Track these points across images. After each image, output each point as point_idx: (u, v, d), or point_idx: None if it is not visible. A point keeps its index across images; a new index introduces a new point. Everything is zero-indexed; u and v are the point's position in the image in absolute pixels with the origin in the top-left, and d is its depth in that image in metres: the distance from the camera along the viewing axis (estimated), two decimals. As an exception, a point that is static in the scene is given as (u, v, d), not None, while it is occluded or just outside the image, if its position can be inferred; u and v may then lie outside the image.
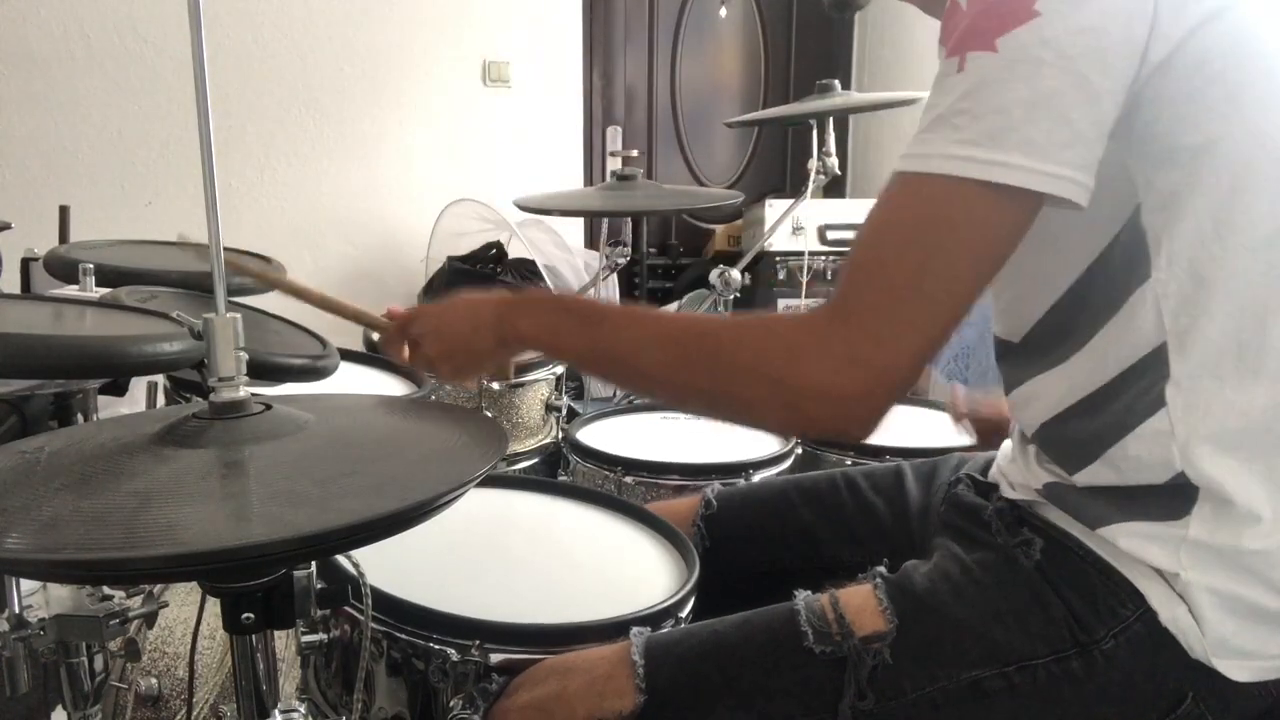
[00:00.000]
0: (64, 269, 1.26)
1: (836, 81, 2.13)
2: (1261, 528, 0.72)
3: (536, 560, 1.05)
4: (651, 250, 3.92)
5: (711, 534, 1.12)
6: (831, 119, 2.12)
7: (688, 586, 0.95)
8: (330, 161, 3.27)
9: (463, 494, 0.62)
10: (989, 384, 1.15)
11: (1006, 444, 0.93)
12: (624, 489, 1.44)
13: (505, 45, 3.50)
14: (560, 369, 1.82)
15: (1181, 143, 0.70)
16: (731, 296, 2.46)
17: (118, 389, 0.95)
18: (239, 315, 0.68)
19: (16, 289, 1.71)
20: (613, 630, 0.86)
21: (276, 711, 0.72)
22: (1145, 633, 0.75)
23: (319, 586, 0.69)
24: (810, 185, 2.09)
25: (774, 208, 3.44)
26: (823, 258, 3.57)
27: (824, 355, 0.70)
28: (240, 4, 3.10)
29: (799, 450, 1.58)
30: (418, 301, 3.14)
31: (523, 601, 0.94)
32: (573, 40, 3.65)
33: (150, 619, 0.92)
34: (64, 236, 2.11)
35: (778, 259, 3.53)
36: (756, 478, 1.43)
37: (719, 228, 4.01)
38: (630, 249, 2.36)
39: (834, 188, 3.52)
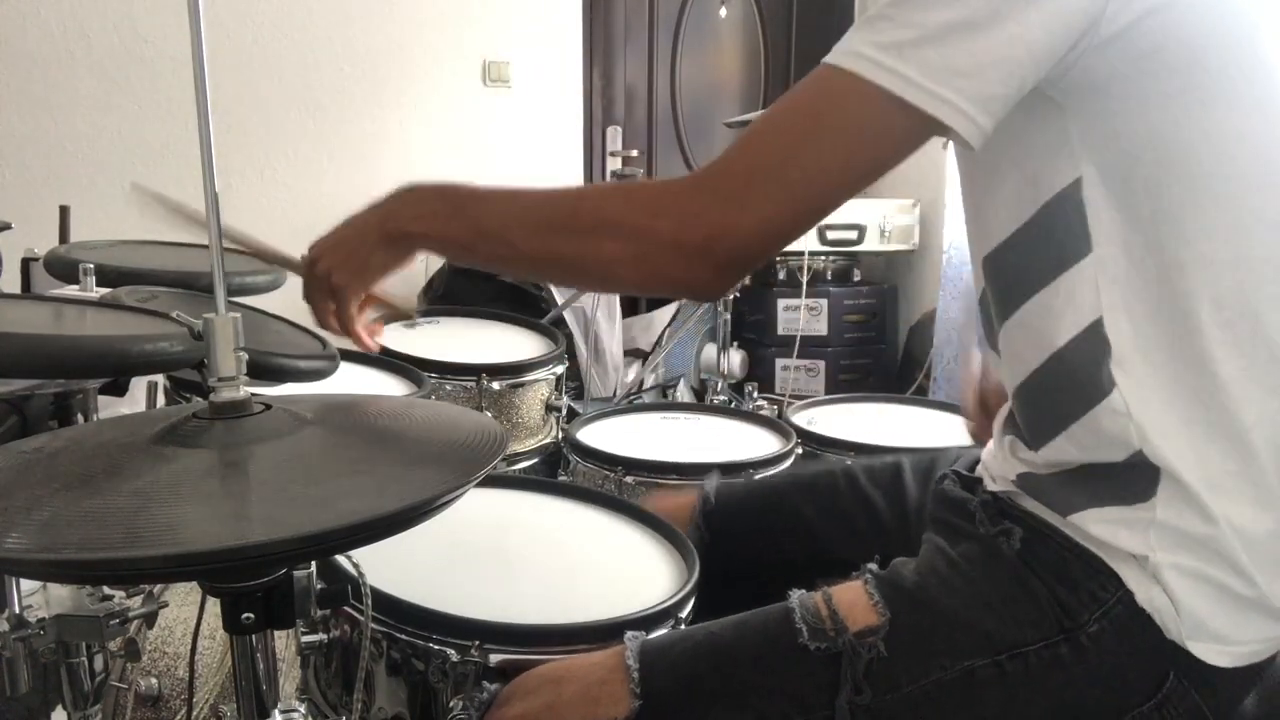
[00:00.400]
0: (64, 269, 1.26)
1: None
2: (1213, 517, 0.73)
3: (536, 560, 1.05)
4: (651, 250, 3.92)
5: (711, 528, 1.12)
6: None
7: (688, 587, 0.95)
8: (330, 161, 3.27)
9: (463, 494, 0.62)
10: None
11: (992, 438, 0.94)
12: (624, 489, 1.44)
13: (505, 45, 3.50)
14: (560, 369, 1.82)
15: (1128, 125, 0.71)
16: (731, 296, 2.45)
17: (118, 389, 0.95)
18: (239, 315, 0.68)
19: (16, 289, 1.71)
20: (613, 631, 0.86)
21: (276, 711, 0.72)
22: (1125, 614, 0.76)
23: (319, 586, 0.69)
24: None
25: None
26: (823, 258, 3.57)
27: (677, 209, 0.75)
28: (240, 4, 3.10)
29: (799, 450, 1.58)
30: (417, 302, 3.14)
31: (523, 602, 0.94)
32: (573, 40, 3.65)
33: (150, 619, 0.92)
34: (64, 236, 2.11)
35: (777, 259, 3.53)
36: (757, 478, 1.43)
37: (719, 228, 4.00)
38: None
39: (834, 188, 3.50)
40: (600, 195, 0.80)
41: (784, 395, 3.39)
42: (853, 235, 3.51)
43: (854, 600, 0.82)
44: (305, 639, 0.87)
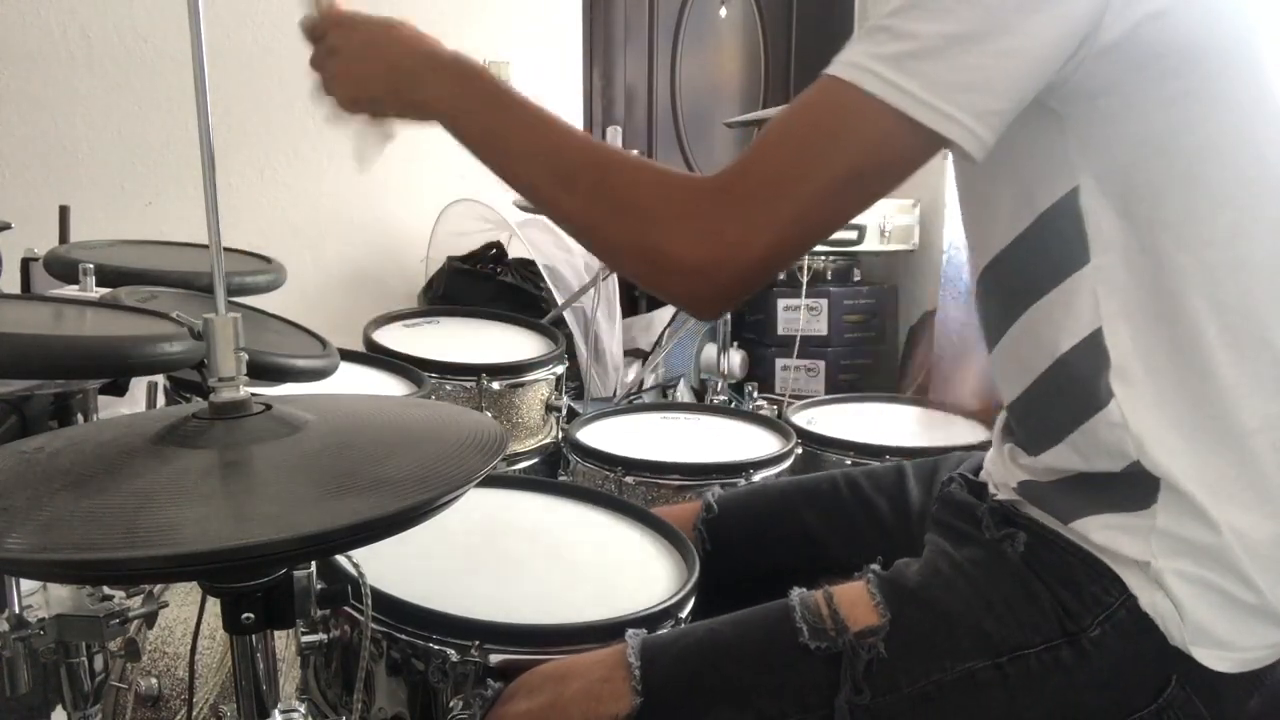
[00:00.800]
0: (64, 269, 1.26)
1: (836, 81, 2.12)
2: (1214, 524, 0.73)
3: (536, 560, 1.05)
4: (651, 250, 3.92)
5: (713, 537, 1.12)
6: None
7: (688, 587, 0.95)
8: (330, 161, 3.26)
9: (463, 494, 0.62)
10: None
11: (992, 445, 0.94)
12: (624, 489, 1.44)
13: (505, 45, 3.50)
14: (560, 369, 1.82)
15: (1126, 132, 0.71)
16: (731, 296, 2.45)
17: (118, 389, 0.95)
18: (239, 315, 0.68)
19: (16, 289, 1.71)
20: (613, 631, 0.86)
21: (276, 711, 0.72)
22: (1129, 619, 0.75)
23: (319, 586, 0.69)
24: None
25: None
26: (823, 258, 3.57)
27: (688, 222, 0.74)
28: (240, 4, 3.10)
29: (799, 450, 1.58)
30: (417, 302, 3.14)
31: (522, 602, 0.94)
32: (573, 40, 3.65)
33: (150, 619, 0.92)
34: (64, 236, 2.11)
35: (778, 259, 3.53)
36: (757, 477, 1.43)
37: (719, 228, 4.00)
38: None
39: (834, 188, 3.51)
40: (629, 176, 0.77)
41: (784, 395, 3.39)
42: (853, 235, 3.51)
43: (855, 600, 0.82)
44: (305, 639, 0.87)
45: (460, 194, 3.25)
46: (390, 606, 0.87)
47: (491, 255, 3.25)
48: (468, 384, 1.70)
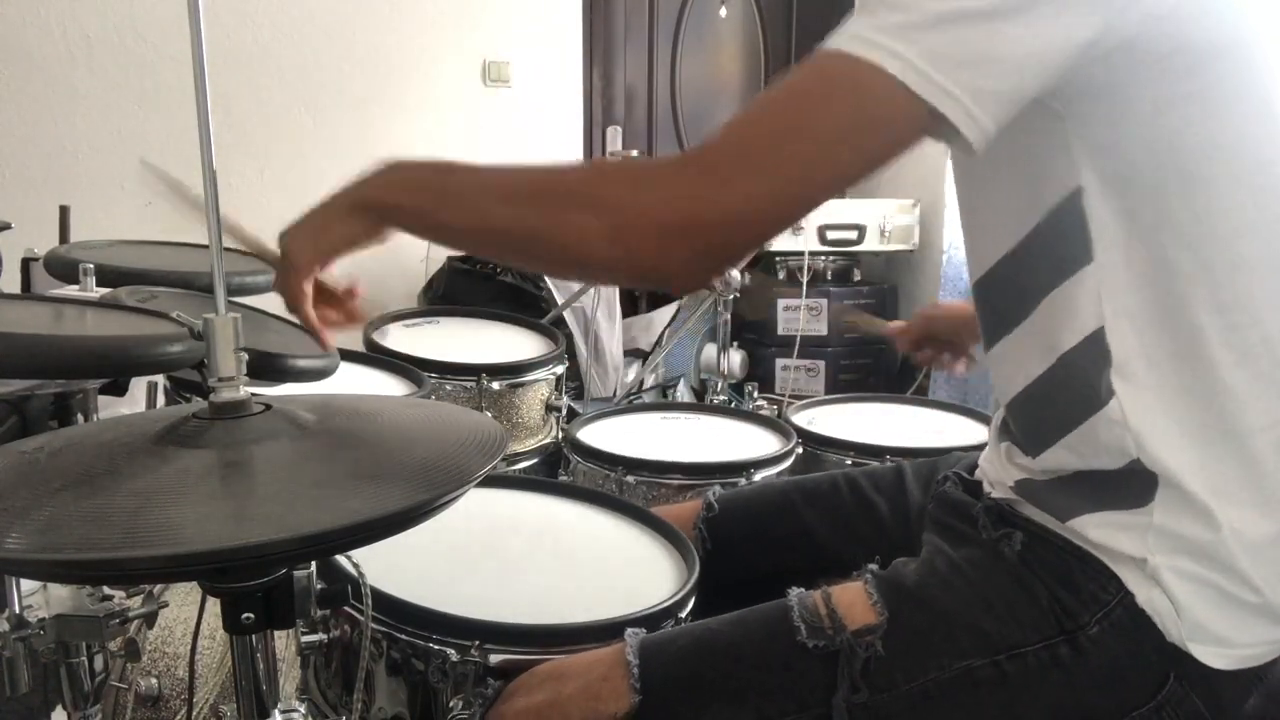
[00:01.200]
0: (64, 269, 1.26)
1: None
2: (1214, 522, 0.73)
3: (536, 560, 1.05)
4: (651, 250, 3.91)
5: (713, 537, 1.12)
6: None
7: (688, 586, 0.95)
8: (330, 161, 3.26)
9: (463, 494, 0.62)
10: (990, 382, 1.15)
11: (988, 444, 0.94)
12: (624, 489, 1.44)
13: (505, 45, 3.50)
14: (560, 369, 1.82)
15: (1130, 133, 0.71)
16: (731, 296, 2.45)
17: (118, 389, 0.95)
18: (239, 315, 0.68)
19: (16, 289, 1.71)
20: (613, 631, 0.86)
21: (276, 711, 0.72)
22: (1126, 616, 0.75)
23: (319, 586, 0.69)
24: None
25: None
26: (823, 258, 3.57)
27: (660, 185, 0.69)
28: (240, 4, 3.10)
29: (799, 450, 1.58)
30: (417, 302, 3.14)
31: (523, 602, 0.94)
32: (573, 40, 3.65)
33: (150, 619, 0.92)
34: (64, 236, 2.11)
35: (777, 259, 3.54)
36: (757, 477, 1.43)
37: (719, 228, 4.00)
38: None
39: (834, 188, 3.51)
40: (580, 168, 0.75)
41: (784, 395, 3.39)
42: (853, 235, 3.52)
43: (853, 599, 0.82)
44: (305, 639, 0.87)
45: (460, 194, 3.25)
46: (390, 606, 0.87)
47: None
48: (468, 384, 1.70)
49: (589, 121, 3.79)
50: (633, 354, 3.41)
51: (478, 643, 0.84)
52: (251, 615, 0.65)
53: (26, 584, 0.87)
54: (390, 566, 0.92)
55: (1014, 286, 0.81)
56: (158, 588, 0.93)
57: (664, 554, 1.06)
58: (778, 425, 1.69)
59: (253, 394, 0.70)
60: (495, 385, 1.71)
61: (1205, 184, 0.71)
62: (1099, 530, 0.77)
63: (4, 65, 2.86)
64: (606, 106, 3.87)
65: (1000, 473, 0.87)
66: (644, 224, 0.69)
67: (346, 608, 0.90)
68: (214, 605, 0.68)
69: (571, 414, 1.86)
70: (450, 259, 3.22)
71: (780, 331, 3.56)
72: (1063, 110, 0.71)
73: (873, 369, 3.67)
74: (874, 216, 3.52)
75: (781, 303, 3.56)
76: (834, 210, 3.50)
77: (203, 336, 0.68)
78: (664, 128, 3.99)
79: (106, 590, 0.89)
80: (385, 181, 0.81)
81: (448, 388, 1.70)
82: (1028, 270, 0.79)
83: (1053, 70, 0.67)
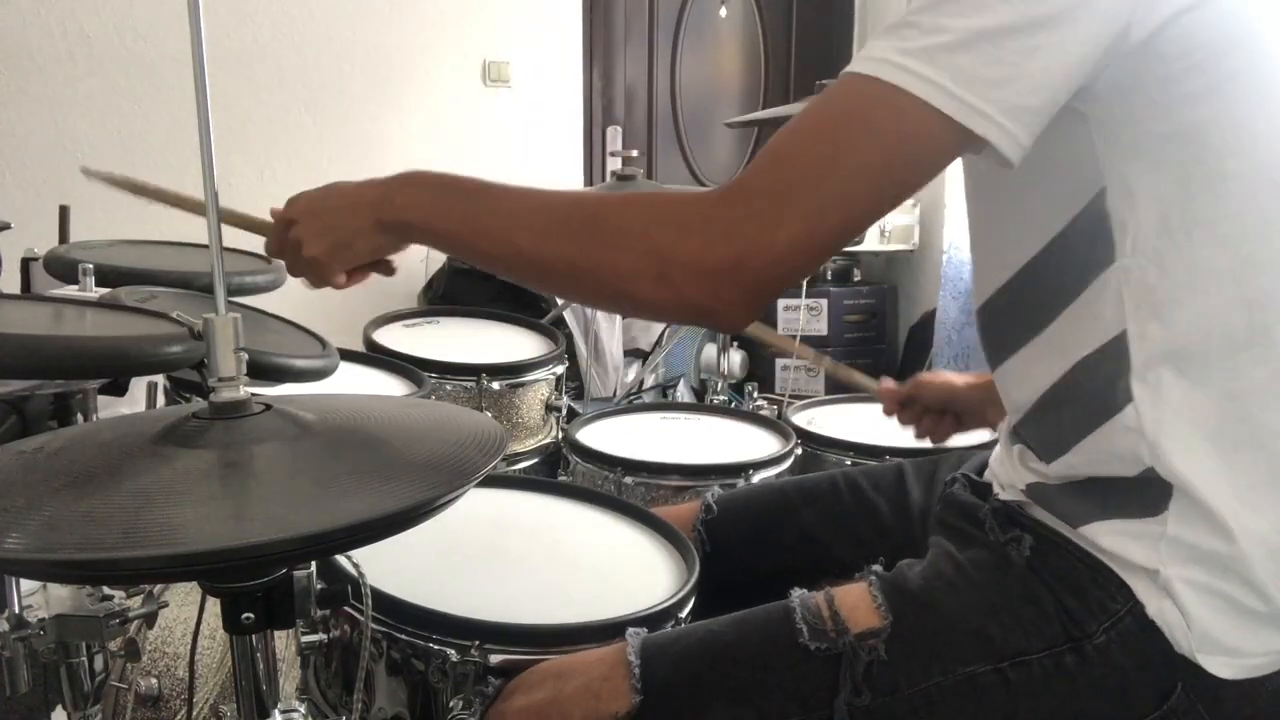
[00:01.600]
0: (64, 269, 1.26)
1: (837, 82, 2.12)
2: (1230, 532, 0.72)
3: (536, 560, 1.05)
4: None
5: (713, 538, 1.12)
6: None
7: (687, 587, 0.95)
8: (330, 162, 3.26)
9: (463, 494, 0.62)
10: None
11: (998, 445, 0.94)
12: (624, 489, 1.44)
13: (505, 45, 3.50)
14: (560, 369, 1.82)
15: (1154, 130, 0.70)
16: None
17: (118, 389, 0.95)
18: (239, 315, 0.68)
19: (16, 289, 1.71)
20: (612, 631, 0.86)
21: (276, 711, 0.72)
22: (1135, 626, 0.75)
23: (319, 586, 0.69)
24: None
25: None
26: (823, 258, 3.57)
27: (702, 226, 0.69)
28: (240, 4, 3.10)
29: (799, 450, 1.58)
30: (417, 302, 3.14)
31: (522, 602, 0.94)
32: (573, 40, 3.65)
33: (150, 619, 0.92)
34: (64, 236, 2.11)
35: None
36: (756, 478, 1.43)
37: (719, 228, 4.00)
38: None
39: (834, 188, 3.50)
40: (621, 204, 0.74)
41: (784, 395, 3.39)
42: (853, 235, 3.52)
43: (856, 602, 0.82)
44: (305, 639, 0.87)
45: (460, 194, 3.25)
46: (390, 606, 0.87)
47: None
48: (468, 384, 1.70)
49: (589, 121, 3.79)
50: (633, 354, 3.41)
51: (478, 643, 0.84)
52: (251, 615, 0.65)
53: (26, 584, 0.87)
54: (390, 566, 0.92)
55: (1039, 291, 0.79)
56: (158, 588, 0.93)
57: (664, 554, 1.06)
58: (777, 426, 1.69)
59: (253, 394, 0.70)
60: (495, 385, 1.71)
61: (1231, 180, 0.70)
62: (1111, 538, 0.76)
63: (4, 65, 2.86)
64: (606, 106, 3.87)
65: (1012, 475, 0.86)
66: (691, 266, 0.69)
67: (346, 608, 0.89)
68: (214, 605, 0.68)
69: (571, 414, 1.86)
70: (450, 259, 3.22)
71: (780, 332, 3.56)
72: (1086, 110, 0.70)
73: (873, 369, 3.67)
74: (874, 216, 3.51)
75: (782, 303, 3.56)
76: (834, 210, 3.49)
77: (203, 336, 0.68)
78: (664, 128, 3.99)
79: (106, 590, 0.89)
80: (415, 201, 0.80)
81: (448, 388, 1.70)
82: (1053, 275, 0.78)
83: (1082, 76, 0.67)
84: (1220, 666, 0.73)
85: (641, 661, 0.81)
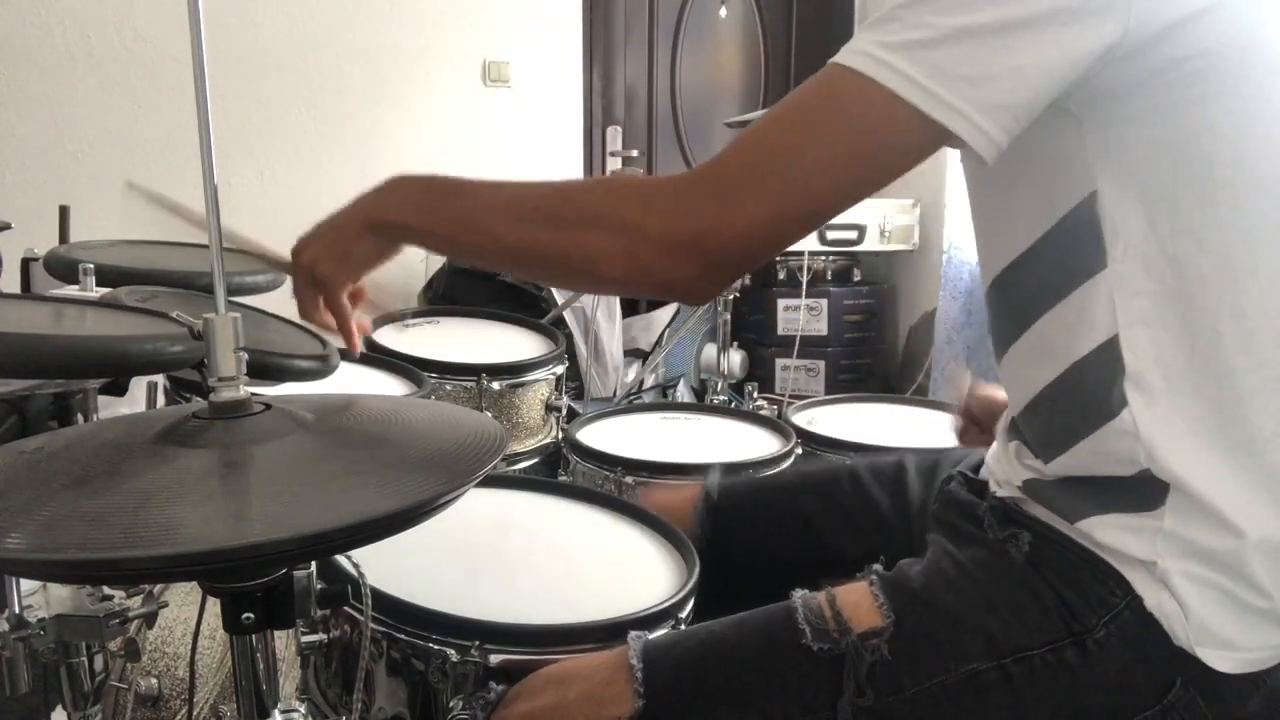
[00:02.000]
0: (64, 269, 1.26)
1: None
2: (1226, 529, 0.73)
3: (536, 560, 1.05)
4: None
5: (714, 524, 1.13)
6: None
7: (687, 587, 0.95)
8: (330, 161, 3.26)
9: (463, 494, 0.62)
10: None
11: (995, 442, 0.94)
12: (624, 489, 1.44)
13: (505, 45, 3.50)
14: (560, 369, 1.82)
15: (1146, 135, 0.70)
16: (731, 296, 2.45)
17: (118, 389, 0.95)
18: (239, 315, 0.68)
19: (16, 289, 1.71)
20: (612, 631, 0.86)
21: (276, 711, 0.72)
22: (1134, 620, 0.75)
23: (319, 586, 0.69)
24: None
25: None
26: (823, 258, 3.57)
27: (666, 204, 0.72)
28: (240, 4, 3.10)
29: (799, 451, 1.58)
30: (417, 302, 3.14)
31: (522, 602, 0.94)
32: (573, 40, 3.65)
33: (150, 619, 0.92)
34: (64, 236, 2.11)
35: (777, 259, 3.53)
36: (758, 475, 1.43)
37: (719, 228, 4.00)
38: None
39: (834, 188, 3.50)
40: (589, 187, 0.78)
41: (784, 395, 3.39)
42: (853, 235, 3.52)
43: (858, 601, 0.82)
44: (305, 639, 0.87)
45: (460, 194, 3.25)
46: (390, 606, 0.87)
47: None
48: (468, 384, 1.70)
49: (589, 121, 3.79)
50: (633, 354, 3.41)
51: (478, 643, 0.84)
52: (251, 615, 0.65)
53: (26, 584, 0.87)
54: (390, 566, 0.92)
55: (1024, 289, 0.80)
56: (158, 588, 0.93)
57: (664, 554, 1.06)
58: (777, 425, 1.69)
59: (253, 394, 0.70)
60: (495, 385, 1.72)
61: (1223, 187, 0.70)
62: (1108, 532, 0.76)
63: (4, 65, 2.86)
64: (606, 106, 3.87)
65: (1008, 471, 0.86)
66: (656, 241, 0.72)
67: (346, 608, 0.89)
68: (214, 605, 0.68)
69: (571, 414, 1.86)
70: (449, 260, 3.22)
71: (780, 332, 3.56)
72: (1079, 112, 0.70)
73: (873, 369, 3.67)
74: (874, 216, 3.52)
75: (782, 303, 3.56)
76: (834, 210, 3.49)
77: (203, 336, 0.68)
78: (664, 128, 3.99)
79: (106, 590, 0.89)
80: (398, 202, 0.84)
81: (448, 388, 1.70)
82: (1039, 273, 0.78)
83: (1065, 80, 0.67)
84: (1218, 660, 0.74)
85: (644, 665, 0.81)
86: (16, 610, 0.86)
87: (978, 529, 0.85)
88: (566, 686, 0.82)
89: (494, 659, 0.85)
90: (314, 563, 0.68)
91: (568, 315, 3.01)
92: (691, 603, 0.95)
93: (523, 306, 2.92)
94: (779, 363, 3.57)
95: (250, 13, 3.12)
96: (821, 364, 3.57)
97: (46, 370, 0.82)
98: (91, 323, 0.99)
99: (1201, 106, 0.69)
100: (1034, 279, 0.79)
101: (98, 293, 1.13)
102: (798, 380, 3.56)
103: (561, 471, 1.64)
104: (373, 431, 0.74)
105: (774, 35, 4.05)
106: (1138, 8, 0.65)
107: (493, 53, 3.49)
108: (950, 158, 0.82)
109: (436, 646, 0.85)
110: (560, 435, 1.80)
